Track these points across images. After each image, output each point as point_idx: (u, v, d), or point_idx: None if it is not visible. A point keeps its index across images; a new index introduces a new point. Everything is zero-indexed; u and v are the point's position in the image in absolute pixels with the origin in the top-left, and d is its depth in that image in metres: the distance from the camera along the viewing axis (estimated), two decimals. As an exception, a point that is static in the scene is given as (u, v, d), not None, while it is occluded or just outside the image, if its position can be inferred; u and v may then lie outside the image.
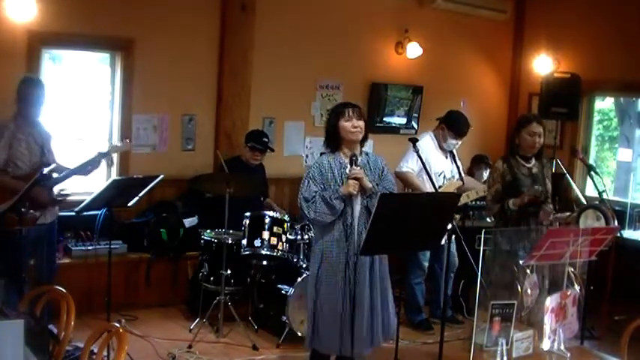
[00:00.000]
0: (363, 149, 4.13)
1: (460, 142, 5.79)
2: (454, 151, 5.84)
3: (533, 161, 5.00)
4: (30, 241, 4.69)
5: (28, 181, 4.44)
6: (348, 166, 3.97)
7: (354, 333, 3.87)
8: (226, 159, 5.93)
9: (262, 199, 6.24)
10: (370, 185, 3.96)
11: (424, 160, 4.98)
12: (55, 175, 4.81)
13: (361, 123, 4.04)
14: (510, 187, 4.92)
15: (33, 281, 4.76)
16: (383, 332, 4.12)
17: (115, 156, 5.84)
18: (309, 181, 4.01)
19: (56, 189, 4.87)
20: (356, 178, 3.89)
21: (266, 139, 6.11)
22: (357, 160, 3.96)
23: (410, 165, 5.62)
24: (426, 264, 5.81)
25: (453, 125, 5.70)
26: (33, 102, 4.79)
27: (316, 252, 4.09)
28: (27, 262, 4.83)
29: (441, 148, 5.74)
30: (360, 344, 3.97)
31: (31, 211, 4.57)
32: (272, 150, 6.25)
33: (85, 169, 4.89)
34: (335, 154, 4.07)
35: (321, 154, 4.22)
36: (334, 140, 4.08)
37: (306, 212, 4.01)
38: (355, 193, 3.92)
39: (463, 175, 5.86)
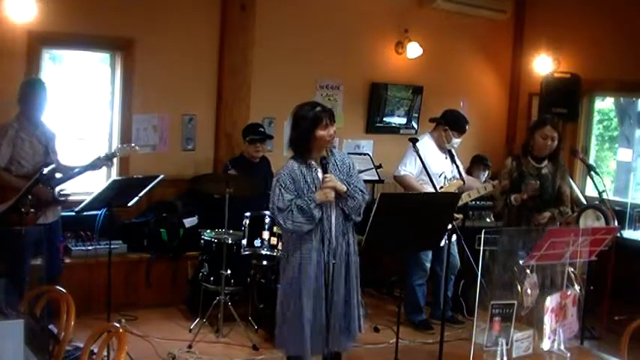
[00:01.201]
0: (329, 147, 3.95)
1: (461, 139, 5.80)
2: (453, 151, 5.83)
3: (546, 162, 5.10)
4: (30, 240, 4.69)
5: (29, 181, 4.46)
6: (320, 172, 3.83)
7: (332, 332, 3.85)
8: (230, 159, 5.92)
9: (269, 192, 6.21)
10: (345, 188, 3.83)
11: (424, 161, 4.98)
12: (58, 174, 4.83)
13: (334, 127, 3.88)
14: (516, 184, 5.10)
15: (36, 281, 4.77)
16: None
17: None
18: (280, 190, 3.82)
19: (57, 189, 4.89)
20: (329, 186, 3.77)
21: (262, 129, 6.09)
22: (327, 164, 3.81)
23: (408, 168, 5.60)
24: (428, 265, 5.79)
25: (455, 124, 5.69)
26: (36, 103, 4.82)
27: (292, 261, 3.90)
28: (28, 262, 4.83)
29: (441, 148, 5.74)
30: (339, 340, 3.94)
31: (32, 210, 4.57)
32: (271, 137, 6.22)
33: (91, 169, 4.92)
34: (304, 159, 3.89)
35: (291, 158, 4.05)
36: (304, 146, 3.87)
37: (282, 223, 3.81)
38: (332, 199, 3.80)
39: (463, 174, 5.87)
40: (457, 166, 5.74)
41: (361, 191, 3.92)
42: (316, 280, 3.85)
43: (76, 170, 4.94)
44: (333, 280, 3.84)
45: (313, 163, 3.88)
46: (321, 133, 3.80)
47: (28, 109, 4.81)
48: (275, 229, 5.43)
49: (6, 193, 4.50)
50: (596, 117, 7.70)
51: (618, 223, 5.65)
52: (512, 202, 5.07)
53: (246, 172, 5.81)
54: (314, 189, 3.82)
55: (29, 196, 4.50)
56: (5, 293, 3.86)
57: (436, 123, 5.81)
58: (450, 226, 4.22)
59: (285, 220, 3.78)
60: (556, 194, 5.14)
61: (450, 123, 5.70)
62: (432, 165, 5.50)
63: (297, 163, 3.88)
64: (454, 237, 4.56)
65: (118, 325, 3.04)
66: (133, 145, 5.36)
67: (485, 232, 3.76)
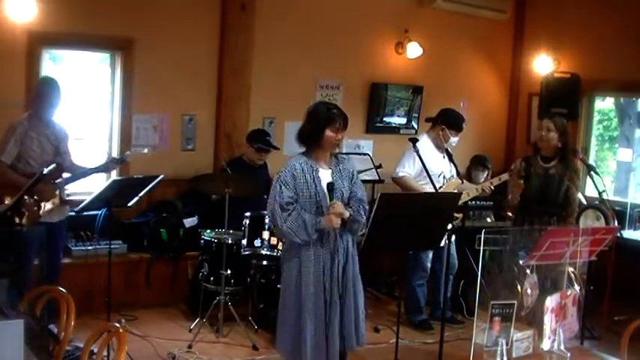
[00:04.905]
0: (332, 151, 3.99)
1: (459, 138, 5.79)
2: (449, 150, 5.82)
3: (554, 162, 5.04)
4: (34, 240, 4.69)
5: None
6: (321, 171, 3.85)
7: (333, 334, 3.85)
8: (228, 160, 5.92)
9: (266, 197, 6.21)
10: (347, 214, 3.81)
11: (424, 161, 4.97)
12: (67, 174, 4.84)
13: (343, 134, 3.92)
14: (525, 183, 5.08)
15: (36, 281, 4.77)
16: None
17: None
18: (281, 186, 3.81)
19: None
20: (336, 213, 3.76)
21: (269, 138, 6.10)
22: (333, 190, 3.81)
23: (406, 169, 5.58)
24: (429, 265, 5.78)
25: (452, 123, 5.69)
26: (49, 102, 4.84)
27: (291, 265, 3.90)
28: (32, 262, 4.84)
29: (438, 148, 5.73)
30: (350, 341, 3.96)
31: (35, 209, 4.57)
32: (277, 148, 6.22)
33: (102, 171, 4.95)
34: (307, 158, 3.91)
35: (294, 158, 4.04)
36: (313, 143, 3.90)
37: (278, 221, 3.79)
38: (337, 226, 3.78)
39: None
40: (455, 166, 5.74)
41: (363, 207, 3.91)
42: (317, 283, 3.85)
43: (87, 171, 4.96)
44: (337, 280, 3.86)
45: (314, 162, 3.88)
46: (330, 133, 3.84)
47: (39, 107, 4.83)
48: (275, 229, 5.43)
49: (9, 191, 4.50)
50: (596, 117, 7.70)
51: (618, 223, 5.65)
52: (509, 201, 5.07)
53: (245, 176, 5.81)
54: (313, 187, 3.82)
55: (34, 196, 4.51)
56: (5, 293, 3.87)
57: (433, 123, 5.80)
58: (449, 226, 4.21)
59: (281, 220, 3.77)
60: (563, 196, 5.08)
61: (447, 122, 5.69)
62: (431, 165, 5.49)
63: (299, 162, 3.89)
64: (453, 237, 4.55)
65: (118, 325, 3.05)
66: (145, 150, 5.35)
67: (485, 232, 3.76)
